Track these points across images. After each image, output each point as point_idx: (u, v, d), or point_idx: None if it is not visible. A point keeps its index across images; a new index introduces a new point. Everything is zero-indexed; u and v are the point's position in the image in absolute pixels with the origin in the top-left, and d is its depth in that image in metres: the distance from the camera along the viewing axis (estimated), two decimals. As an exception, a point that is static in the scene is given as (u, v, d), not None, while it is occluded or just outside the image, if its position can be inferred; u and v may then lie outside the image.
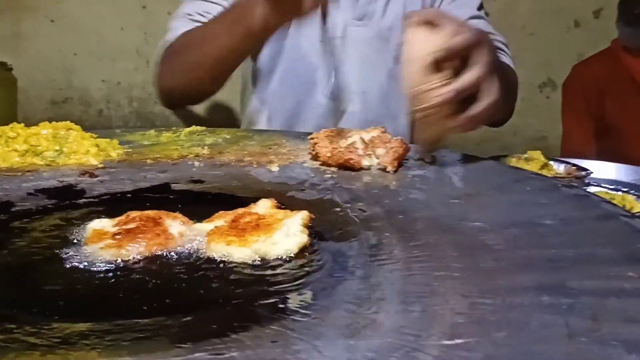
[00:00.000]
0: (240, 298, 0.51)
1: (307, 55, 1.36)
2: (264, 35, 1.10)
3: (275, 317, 0.47)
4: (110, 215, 0.65)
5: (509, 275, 0.51)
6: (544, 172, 1.10)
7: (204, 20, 1.27)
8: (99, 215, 0.68)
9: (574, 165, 1.15)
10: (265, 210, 0.65)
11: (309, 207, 0.72)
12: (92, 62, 4.32)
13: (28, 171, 0.82)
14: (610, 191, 1.01)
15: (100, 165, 0.85)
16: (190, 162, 0.88)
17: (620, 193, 1.00)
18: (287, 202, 0.74)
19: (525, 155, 1.16)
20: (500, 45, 1.30)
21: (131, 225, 0.59)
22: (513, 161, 1.14)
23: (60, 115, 4.49)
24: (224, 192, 0.78)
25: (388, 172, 0.82)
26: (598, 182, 1.07)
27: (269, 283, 0.54)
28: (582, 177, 1.09)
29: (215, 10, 1.26)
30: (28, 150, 0.83)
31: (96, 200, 0.75)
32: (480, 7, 1.38)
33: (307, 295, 0.51)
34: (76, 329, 0.45)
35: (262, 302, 0.50)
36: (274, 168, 0.85)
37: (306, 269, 0.57)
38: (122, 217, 0.62)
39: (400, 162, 0.84)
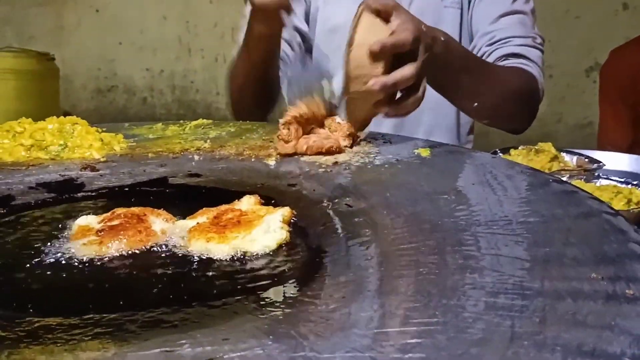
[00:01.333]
0: (210, 295, 0.53)
1: (325, 48, 1.36)
2: (265, 34, 1.12)
3: (238, 314, 0.49)
4: (106, 209, 0.68)
5: (474, 274, 0.51)
6: (554, 164, 1.08)
7: None
8: (94, 209, 0.71)
9: (586, 157, 1.13)
10: (248, 206, 0.66)
11: (298, 201, 0.74)
12: (135, 51, 4.40)
13: (32, 165, 0.85)
14: (619, 184, 0.99)
15: (102, 159, 0.87)
16: (190, 156, 0.90)
17: (629, 187, 0.98)
18: (277, 197, 0.75)
19: (536, 147, 1.14)
20: (519, 50, 1.24)
21: (115, 222, 0.61)
22: (523, 153, 1.12)
23: (106, 103, 4.61)
24: (218, 186, 0.80)
25: (345, 146, 0.90)
26: (609, 175, 1.05)
27: (242, 280, 0.55)
28: (592, 170, 1.07)
29: None
30: (34, 145, 0.86)
31: (94, 194, 0.78)
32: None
33: (276, 293, 0.53)
34: (45, 323, 0.47)
35: (229, 299, 0.51)
36: (271, 162, 0.86)
37: (282, 266, 0.58)
38: (108, 214, 0.64)
39: (354, 138, 0.93)
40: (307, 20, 1.45)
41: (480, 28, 1.30)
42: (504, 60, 1.23)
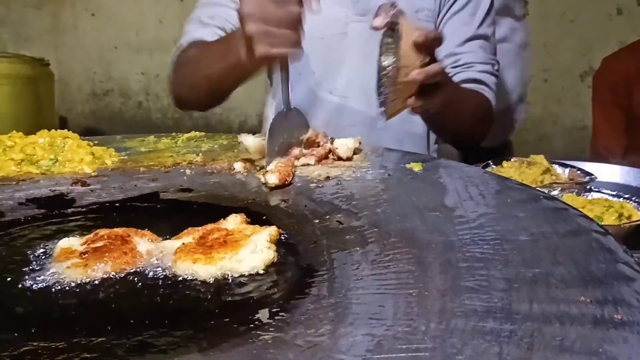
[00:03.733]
0: (197, 318, 0.52)
1: (310, 53, 1.36)
2: (249, 69, 1.08)
3: (226, 338, 0.48)
4: (96, 226, 0.68)
5: (462, 296, 0.51)
6: (546, 177, 1.08)
7: (214, 23, 1.29)
8: (84, 227, 0.71)
9: (579, 169, 1.13)
10: (234, 225, 0.66)
11: (289, 218, 0.74)
12: (131, 54, 4.40)
13: (23, 180, 0.84)
14: (610, 198, 0.99)
15: (93, 174, 0.87)
16: (182, 170, 0.90)
17: (620, 200, 0.97)
18: (268, 213, 0.75)
19: (528, 159, 1.14)
20: (479, 76, 1.31)
21: (99, 244, 0.61)
22: (515, 165, 1.12)
23: (101, 106, 4.60)
24: (209, 201, 0.79)
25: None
26: (600, 188, 1.04)
27: (230, 303, 0.55)
28: (584, 183, 1.07)
29: (223, 13, 1.29)
30: (24, 159, 0.86)
31: (84, 209, 0.77)
32: (482, 23, 1.36)
33: (264, 315, 0.52)
34: (32, 348, 0.47)
35: (217, 322, 0.51)
36: (262, 176, 0.86)
37: (270, 287, 0.57)
38: (91, 235, 0.63)
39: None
40: None
41: (447, 47, 1.35)
42: (465, 84, 1.30)
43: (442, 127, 1.26)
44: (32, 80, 3.92)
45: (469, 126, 1.27)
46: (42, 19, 4.62)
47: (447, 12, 1.36)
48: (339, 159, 0.93)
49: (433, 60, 0.98)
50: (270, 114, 1.49)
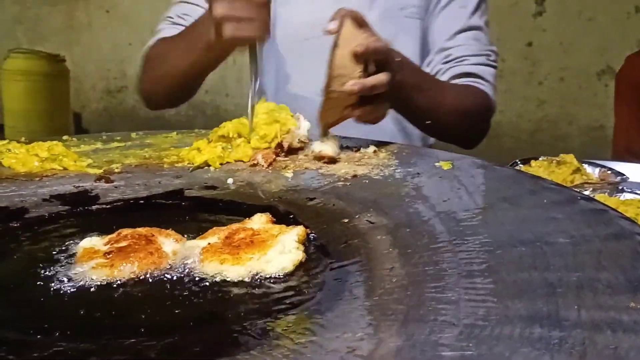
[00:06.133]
0: (228, 320, 0.51)
1: (294, 56, 1.37)
2: (218, 54, 1.08)
3: (258, 341, 0.47)
4: (119, 223, 0.66)
5: (505, 301, 0.49)
6: (576, 177, 1.06)
7: (184, 22, 1.29)
8: (108, 223, 0.70)
9: (609, 169, 1.10)
10: (260, 225, 0.64)
11: (317, 217, 0.72)
12: (146, 51, 4.39)
13: (46, 176, 0.83)
14: (643, 198, 0.97)
15: (117, 170, 0.86)
16: (206, 167, 0.88)
17: (655, 201, 0.95)
18: (295, 212, 0.73)
19: (557, 159, 1.11)
20: (473, 69, 1.26)
21: (123, 244, 0.59)
22: (544, 164, 1.09)
23: (115, 104, 4.60)
24: (235, 199, 0.78)
25: (262, 166, 0.90)
26: (633, 188, 1.02)
27: (260, 304, 0.53)
28: (616, 183, 1.04)
29: (194, 12, 1.28)
30: (48, 158, 0.85)
31: (108, 206, 0.76)
32: (473, 14, 1.31)
33: (297, 318, 0.50)
34: (61, 349, 0.46)
35: (248, 324, 0.50)
36: (288, 174, 0.84)
37: (303, 288, 0.56)
38: (113, 235, 0.62)
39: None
40: None
41: (437, 43, 1.32)
42: (459, 78, 1.26)
43: (424, 127, 1.22)
44: (47, 77, 3.93)
45: (461, 124, 1.22)
46: (57, 17, 4.64)
47: (435, 7, 1.32)
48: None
49: (381, 70, 0.92)
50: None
